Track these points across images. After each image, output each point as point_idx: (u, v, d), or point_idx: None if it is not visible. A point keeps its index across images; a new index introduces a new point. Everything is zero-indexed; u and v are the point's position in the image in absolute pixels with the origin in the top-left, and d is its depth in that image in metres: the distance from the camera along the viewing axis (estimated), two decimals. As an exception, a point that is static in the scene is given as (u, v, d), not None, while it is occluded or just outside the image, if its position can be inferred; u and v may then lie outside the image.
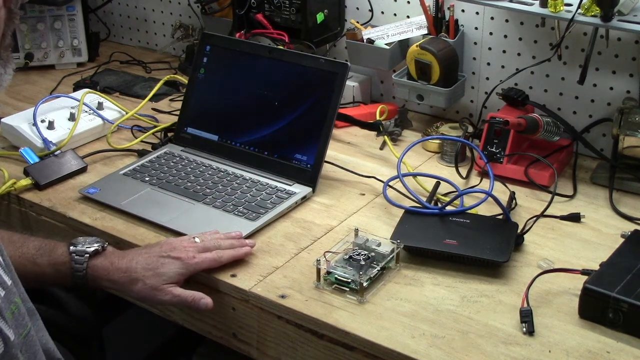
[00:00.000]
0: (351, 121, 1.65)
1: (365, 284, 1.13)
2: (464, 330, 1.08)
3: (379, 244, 1.22)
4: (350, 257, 1.19)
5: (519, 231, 1.27)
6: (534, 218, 1.32)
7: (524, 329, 1.07)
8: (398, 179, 1.40)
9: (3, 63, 0.87)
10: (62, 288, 1.38)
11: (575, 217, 1.34)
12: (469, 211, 1.31)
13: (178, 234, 1.29)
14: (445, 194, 1.41)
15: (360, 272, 1.15)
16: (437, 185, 1.40)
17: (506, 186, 1.41)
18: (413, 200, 1.38)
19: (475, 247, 1.21)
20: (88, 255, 1.18)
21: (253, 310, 1.17)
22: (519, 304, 1.11)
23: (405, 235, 1.24)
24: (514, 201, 1.37)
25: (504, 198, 1.35)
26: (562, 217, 1.34)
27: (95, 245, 1.20)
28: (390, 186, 1.41)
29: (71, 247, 1.19)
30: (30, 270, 1.16)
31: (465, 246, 1.21)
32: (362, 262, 1.17)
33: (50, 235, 1.27)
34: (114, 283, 1.18)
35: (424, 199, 1.36)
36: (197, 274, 1.21)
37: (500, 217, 1.31)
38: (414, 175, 1.47)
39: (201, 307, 1.16)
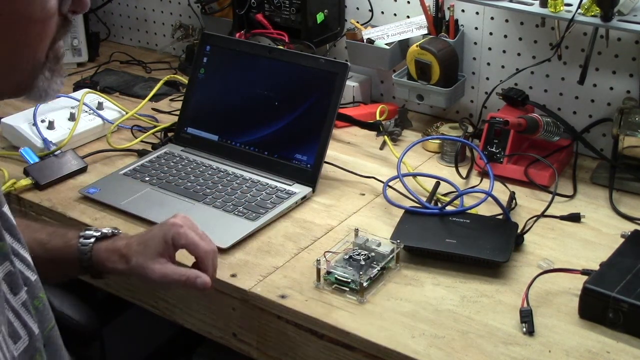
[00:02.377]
0: (351, 121, 1.65)
1: (365, 284, 1.13)
2: (464, 330, 1.08)
3: (379, 244, 1.22)
4: (350, 257, 1.19)
5: (519, 231, 1.27)
6: (534, 218, 1.33)
7: (524, 329, 1.07)
8: (398, 179, 1.40)
9: (50, 75, 0.83)
10: (64, 286, 1.38)
11: (575, 217, 1.34)
12: (469, 211, 1.32)
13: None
14: (446, 194, 1.41)
15: (360, 272, 1.15)
16: (437, 185, 1.40)
17: (506, 186, 1.41)
18: (413, 201, 1.38)
19: (475, 247, 1.21)
20: (94, 238, 1.15)
21: (253, 310, 1.17)
22: (519, 304, 1.11)
23: (406, 235, 1.24)
24: (514, 201, 1.37)
25: (504, 198, 1.35)
26: (562, 217, 1.34)
27: (106, 230, 1.17)
28: (390, 186, 1.41)
29: (80, 232, 1.16)
30: (41, 256, 1.12)
31: (466, 246, 1.22)
32: (362, 262, 1.17)
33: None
34: (114, 264, 1.14)
35: (424, 199, 1.36)
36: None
37: (501, 217, 1.31)
38: (414, 175, 1.47)
39: (198, 286, 1.09)
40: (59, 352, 0.94)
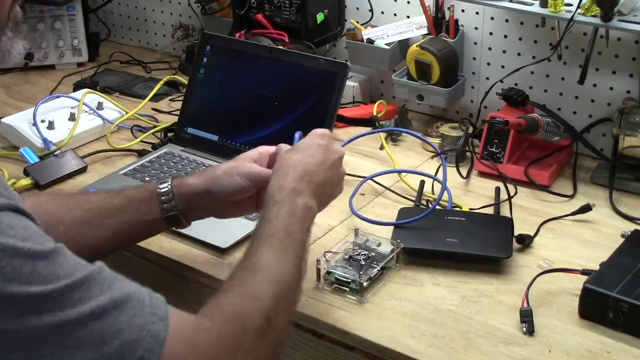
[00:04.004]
0: (345, 121, 1.65)
1: (365, 284, 1.13)
2: (464, 330, 1.08)
3: (379, 244, 1.22)
4: (351, 257, 1.19)
5: (531, 234, 1.27)
6: (546, 221, 1.32)
7: (524, 329, 1.07)
8: (398, 179, 1.41)
9: (12, 35, 0.90)
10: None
11: (586, 209, 1.33)
12: (461, 209, 1.33)
13: (177, 233, 1.28)
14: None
15: (360, 272, 1.15)
16: (422, 184, 1.42)
17: (507, 187, 1.41)
18: (410, 200, 1.38)
19: (477, 245, 1.21)
20: (171, 178, 1.16)
21: (253, 310, 1.17)
22: (519, 304, 1.11)
23: (406, 237, 1.23)
24: (512, 197, 1.37)
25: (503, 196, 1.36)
26: (574, 213, 1.33)
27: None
28: (387, 188, 1.42)
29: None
30: (120, 219, 1.14)
31: (468, 244, 1.22)
32: (362, 262, 1.17)
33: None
34: (197, 178, 1.14)
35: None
36: (197, 273, 1.22)
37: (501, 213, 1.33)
38: (399, 172, 1.48)
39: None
40: None
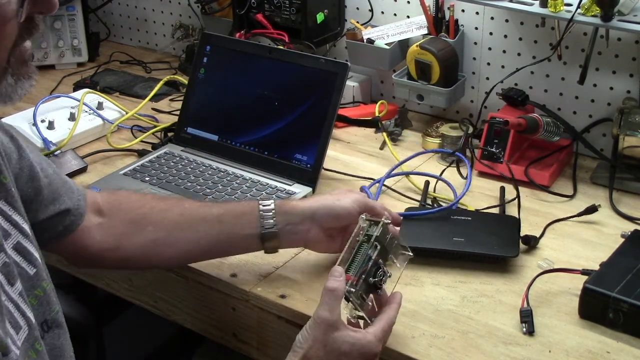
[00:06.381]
0: (348, 121, 1.65)
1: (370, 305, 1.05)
2: (464, 330, 1.08)
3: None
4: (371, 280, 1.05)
5: (537, 235, 1.28)
6: (551, 222, 1.32)
7: (524, 329, 1.07)
8: (399, 178, 1.41)
9: (13, 81, 0.81)
10: (63, 286, 1.38)
11: (591, 209, 1.33)
12: (467, 208, 1.33)
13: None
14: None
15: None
16: (426, 184, 1.42)
17: (517, 188, 1.41)
18: (414, 200, 1.38)
19: (484, 244, 1.22)
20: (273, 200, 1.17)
21: (253, 310, 1.17)
22: (519, 304, 1.11)
23: (412, 237, 1.22)
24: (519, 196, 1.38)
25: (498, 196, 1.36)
26: (580, 214, 1.33)
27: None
28: (388, 186, 1.42)
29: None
30: (216, 228, 1.14)
31: (474, 243, 1.22)
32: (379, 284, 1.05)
33: None
34: (303, 200, 1.19)
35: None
36: (197, 273, 1.22)
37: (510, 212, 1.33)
38: (408, 174, 1.48)
39: None
40: (66, 335, 0.96)
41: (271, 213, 1.14)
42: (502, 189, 1.41)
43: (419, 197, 1.41)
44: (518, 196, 1.36)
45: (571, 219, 1.33)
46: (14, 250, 0.90)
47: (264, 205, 1.15)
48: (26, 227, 0.93)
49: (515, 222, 1.28)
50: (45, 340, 0.91)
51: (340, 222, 1.16)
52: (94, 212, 1.13)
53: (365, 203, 1.17)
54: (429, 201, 1.40)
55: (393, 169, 1.47)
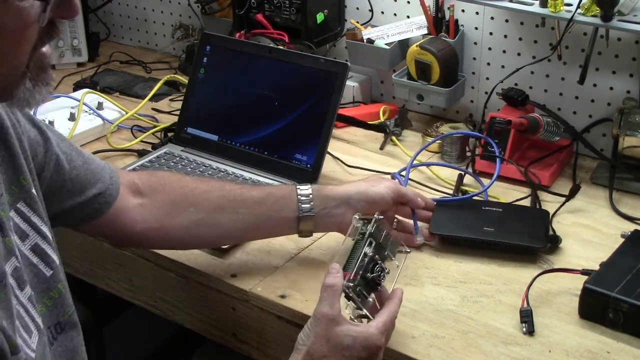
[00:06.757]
0: (356, 123, 1.64)
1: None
2: (464, 330, 1.08)
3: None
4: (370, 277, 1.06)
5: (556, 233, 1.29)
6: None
7: (524, 329, 1.07)
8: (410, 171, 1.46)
9: (32, 86, 0.79)
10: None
11: (575, 189, 1.36)
12: (498, 200, 1.38)
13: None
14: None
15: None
16: (460, 176, 1.45)
17: (536, 185, 1.42)
18: (438, 192, 1.42)
19: (513, 234, 1.24)
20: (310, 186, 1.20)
21: (253, 310, 1.17)
22: (519, 304, 1.11)
23: (443, 225, 1.26)
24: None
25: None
26: (566, 200, 1.35)
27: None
28: (402, 176, 1.45)
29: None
30: (255, 211, 1.17)
31: (503, 233, 1.24)
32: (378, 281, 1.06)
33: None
34: (339, 186, 1.21)
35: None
36: (197, 273, 1.22)
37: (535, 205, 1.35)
38: (426, 165, 1.51)
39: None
40: (80, 336, 0.96)
41: (309, 197, 1.17)
42: (533, 183, 1.41)
43: (439, 189, 1.44)
44: (534, 189, 1.38)
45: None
46: (31, 251, 0.91)
47: (301, 190, 1.18)
48: (45, 229, 0.94)
49: (545, 215, 1.30)
50: (58, 342, 0.92)
51: (374, 208, 1.18)
52: (132, 194, 1.14)
53: (398, 189, 1.22)
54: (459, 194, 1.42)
55: (416, 156, 1.50)
